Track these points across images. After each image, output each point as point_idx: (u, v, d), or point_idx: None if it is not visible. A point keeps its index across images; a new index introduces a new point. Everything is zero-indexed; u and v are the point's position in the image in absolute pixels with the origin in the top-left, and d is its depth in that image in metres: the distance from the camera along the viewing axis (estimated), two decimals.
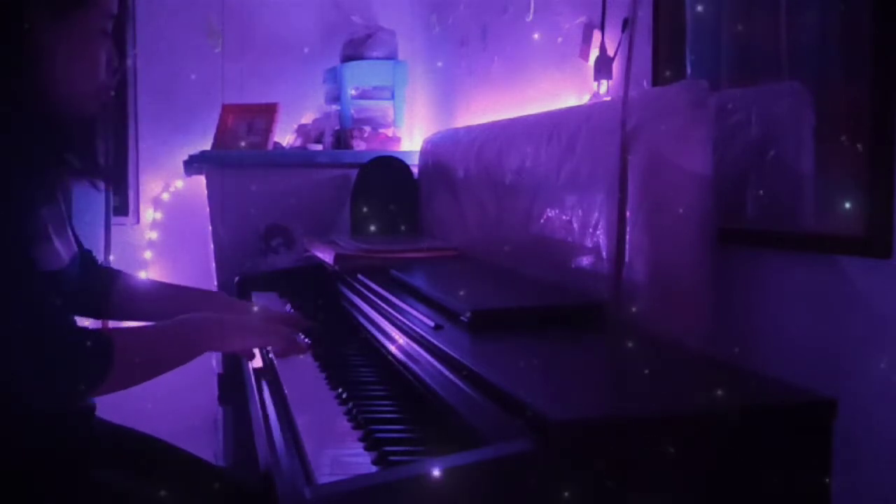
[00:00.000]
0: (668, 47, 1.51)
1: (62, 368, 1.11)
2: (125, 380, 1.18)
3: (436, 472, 0.76)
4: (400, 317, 1.33)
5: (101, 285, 1.54)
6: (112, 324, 2.13)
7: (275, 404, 1.21)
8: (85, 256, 1.49)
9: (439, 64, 2.78)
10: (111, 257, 3.08)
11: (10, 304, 1.08)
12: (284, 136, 2.96)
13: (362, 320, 1.56)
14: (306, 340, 1.51)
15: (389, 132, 2.89)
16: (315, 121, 2.98)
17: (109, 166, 1.40)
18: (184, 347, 1.29)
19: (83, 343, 1.13)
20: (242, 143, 2.75)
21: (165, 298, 1.60)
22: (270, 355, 1.45)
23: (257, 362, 1.46)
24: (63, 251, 1.30)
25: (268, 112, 2.80)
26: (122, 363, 1.15)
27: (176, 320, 1.33)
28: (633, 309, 1.26)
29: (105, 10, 1.28)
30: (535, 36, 2.05)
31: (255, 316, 1.54)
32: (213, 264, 2.63)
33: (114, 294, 1.55)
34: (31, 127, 1.20)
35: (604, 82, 1.68)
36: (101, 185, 1.38)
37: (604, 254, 1.36)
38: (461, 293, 1.36)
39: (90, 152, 1.34)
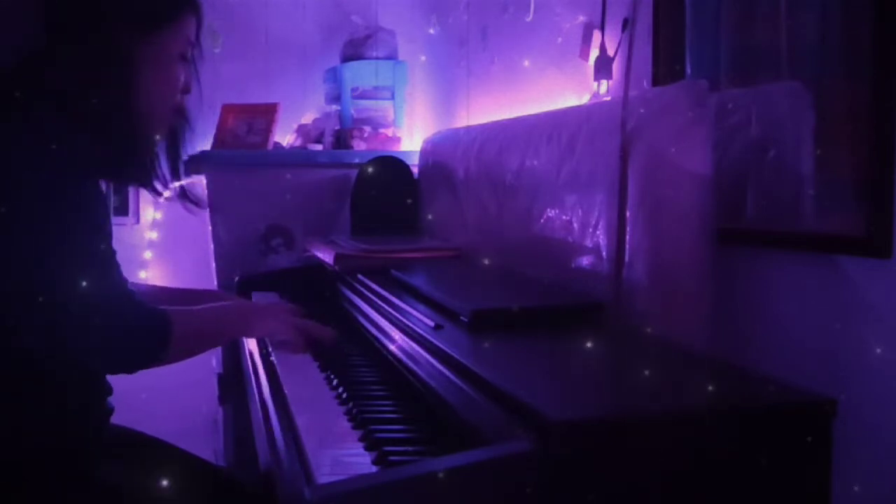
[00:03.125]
0: (668, 47, 1.51)
1: (129, 340, 1.21)
2: (176, 356, 1.27)
3: (436, 472, 0.76)
4: (400, 317, 1.33)
5: None
6: None
7: (275, 404, 1.21)
8: None
9: (440, 64, 2.78)
10: None
11: (95, 280, 1.17)
12: (284, 136, 2.96)
13: (362, 320, 1.56)
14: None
15: (389, 132, 2.88)
16: (315, 121, 2.98)
17: (168, 179, 1.49)
18: (231, 330, 1.42)
19: (149, 319, 1.24)
20: (242, 143, 2.75)
21: (166, 301, 1.61)
22: (271, 355, 1.45)
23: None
24: None
25: (268, 112, 2.80)
26: (179, 340, 1.25)
27: (221, 304, 1.46)
28: (633, 309, 1.26)
29: (185, 35, 1.37)
30: (535, 36, 2.05)
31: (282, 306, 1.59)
32: (213, 264, 2.62)
33: None
34: (111, 139, 1.26)
35: (604, 82, 1.68)
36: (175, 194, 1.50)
37: (604, 254, 1.36)
38: (461, 293, 1.36)
39: (153, 167, 1.41)
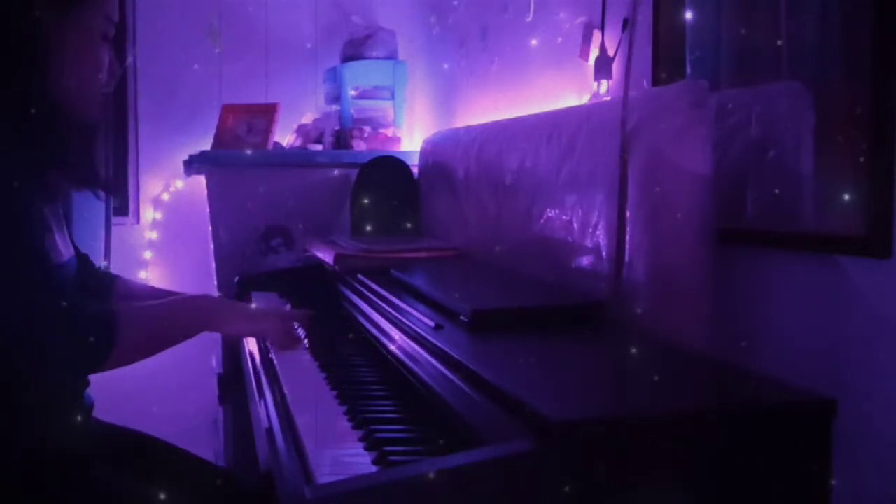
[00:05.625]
0: (668, 47, 1.51)
1: (68, 342, 1.15)
2: (128, 356, 1.22)
3: (436, 472, 0.76)
4: (400, 317, 1.33)
5: (100, 288, 1.54)
6: None
7: (275, 404, 1.21)
8: (83, 259, 1.50)
9: (440, 64, 2.78)
10: (111, 257, 3.08)
11: (23, 282, 1.13)
12: (284, 136, 2.96)
13: (362, 320, 1.56)
14: (301, 333, 1.54)
15: (389, 132, 2.89)
16: (315, 121, 2.98)
17: (109, 177, 1.44)
18: (184, 326, 1.34)
19: (89, 319, 1.18)
20: (242, 143, 2.75)
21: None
22: (271, 354, 1.45)
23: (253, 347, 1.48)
24: (63, 248, 1.31)
25: (268, 112, 2.80)
26: (125, 339, 1.19)
27: (177, 299, 1.39)
28: (633, 309, 1.26)
29: (106, 13, 1.30)
30: (535, 36, 2.05)
31: (252, 307, 1.57)
32: (213, 264, 2.63)
33: (113, 297, 1.55)
34: (34, 126, 1.21)
35: (604, 82, 1.68)
36: (101, 194, 1.41)
37: (604, 254, 1.36)
38: (461, 293, 1.36)
39: (90, 160, 1.35)
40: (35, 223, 1.19)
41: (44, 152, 1.25)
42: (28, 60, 1.21)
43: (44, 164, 1.27)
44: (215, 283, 2.58)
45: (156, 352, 1.28)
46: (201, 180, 2.69)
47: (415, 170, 2.44)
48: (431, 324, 1.21)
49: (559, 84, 1.93)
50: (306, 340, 1.54)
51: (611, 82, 1.68)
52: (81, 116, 1.30)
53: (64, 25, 1.24)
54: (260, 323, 1.45)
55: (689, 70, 1.49)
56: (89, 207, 2.93)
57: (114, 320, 1.19)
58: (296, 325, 1.55)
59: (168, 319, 1.33)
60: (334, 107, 2.97)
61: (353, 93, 2.88)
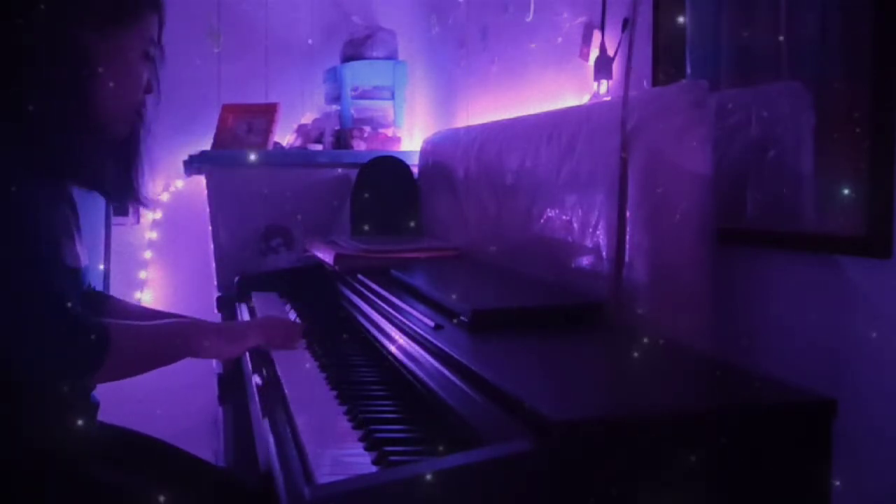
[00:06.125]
0: (668, 47, 1.51)
1: (59, 352, 1.16)
2: (117, 371, 1.23)
3: (436, 472, 0.76)
4: (400, 317, 1.34)
5: (92, 306, 1.54)
6: None
7: (275, 404, 1.21)
8: None
9: (440, 64, 2.78)
10: (111, 257, 3.08)
11: (23, 287, 1.14)
12: (284, 136, 2.96)
13: (362, 320, 1.56)
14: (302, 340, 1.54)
15: (389, 132, 2.89)
16: (315, 121, 2.98)
17: (140, 190, 1.47)
18: (176, 349, 1.35)
19: (82, 331, 1.18)
20: (242, 143, 2.75)
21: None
22: (271, 353, 1.45)
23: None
24: (82, 255, 1.33)
25: (268, 112, 2.80)
26: (116, 355, 1.20)
27: (173, 322, 1.39)
28: (634, 309, 1.26)
29: (146, 33, 1.33)
30: (535, 36, 2.05)
31: (247, 323, 1.57)
32: (213, 264, 2.63)
33: (105, 315, 1.54)
34: (60, 136, 1.22)
35: (604, 82, 1.68)
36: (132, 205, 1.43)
37: (604, 254, 1.36)
38: (461, 293, 1.36)
39: (120, 172, 1.40)
40: (41, 226, 1.20)
41: (59, 158, 1.26)
42: (65, 73, 1.22)
43: (63, 173, 1.29)
44: (215, 283, 2.58)
45: (142, 371, 1.29)
46: (201, 180, 2.69)
47: (415, 170, 2.44)
48: (431, 324, 1.21)
49: (559, 84, 1.93)
50: (305, 341, 1.54)
51: (611, 82, 1.68)
52: (113, 131, 1.33)
53: (103, 43, 1.27)
54: (244, 342, 1.45)
55: (689, 70, 1.49)
56: (89, 207, 2.92)
57: (108, 333, 1.20)
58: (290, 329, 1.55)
59: (157, 339, 1.34)
60: (334, 107, 2.97)
61: (352, 93, 2.89)
